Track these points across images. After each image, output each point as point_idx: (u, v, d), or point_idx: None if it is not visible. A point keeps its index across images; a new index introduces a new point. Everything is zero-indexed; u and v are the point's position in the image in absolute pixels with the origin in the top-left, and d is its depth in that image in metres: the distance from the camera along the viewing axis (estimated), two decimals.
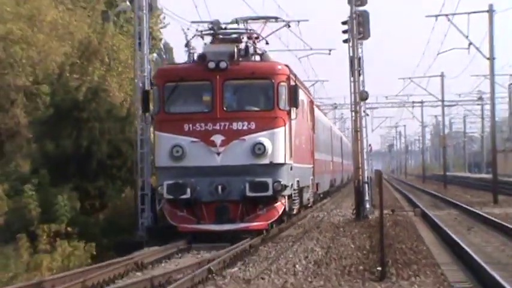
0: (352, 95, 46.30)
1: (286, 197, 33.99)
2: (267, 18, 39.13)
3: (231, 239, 31.99)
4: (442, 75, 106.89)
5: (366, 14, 44.14)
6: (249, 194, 31.99)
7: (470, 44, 63.79)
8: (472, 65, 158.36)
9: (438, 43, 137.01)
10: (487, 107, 80.00)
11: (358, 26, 43.73)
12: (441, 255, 26.85)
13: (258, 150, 32.38)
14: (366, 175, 45.25)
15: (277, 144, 33.25)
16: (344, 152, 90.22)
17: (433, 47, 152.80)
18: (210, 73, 33.17)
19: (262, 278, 21.82)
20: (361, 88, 45.55)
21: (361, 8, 43.75)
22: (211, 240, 32.54)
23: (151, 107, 36.25)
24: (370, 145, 67.83)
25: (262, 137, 32.83)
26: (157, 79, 35.01)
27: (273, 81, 33.51)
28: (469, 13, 63.67)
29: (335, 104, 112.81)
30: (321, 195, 61.62)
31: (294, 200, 36.85)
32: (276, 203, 32.89)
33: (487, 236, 33.41)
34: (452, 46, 79.61)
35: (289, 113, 34.31)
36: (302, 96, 40.44)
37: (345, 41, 44.79)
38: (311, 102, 49.08)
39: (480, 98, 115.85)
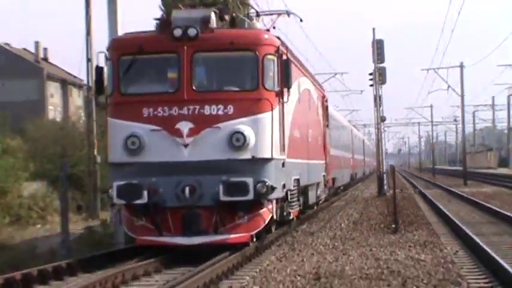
0: (375, 118, 46.29)
1: (275, 201, 17.91)
2: (279, 13, 24.89)
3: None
4: (431, 106, 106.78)
5: (384, 68, 43.97)
6: (223, 198, 16.54)
7: (449, 87, 64.65)
8: (450, 99, 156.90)
9: (429, 86, 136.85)
10: (460, 125, 79.69)
11: (379, 76, 43.56)
12: (431, 217, 26.68)
13: (237, 141, 16.90)
14: (384, 168, 45.07)
15: (262, 133, 17.27)
16: (366, 152, 75.60)
17: (425, 88, 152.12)
18: (176, 43, 17.41)
19: (321, 232, 21.77)
20: (381, 114, 45.44)
21: (381, 65, 43.61)
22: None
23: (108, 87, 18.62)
24: (386, 149, 67.27)
25: (242, 125, 17.03)
26: (111, 51, 18.13)
27: (257, 53, 17.44)
28: (448, 67, 64.82)
29: (364, 124, 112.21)
30: (341, 188, 44.48)
31: (290, 202, 20.21)
32: (261, 208, 17.02)
33: (460, 206, 33.12)
34: (438, 88, 79.94)
35: (279, 94, 17.91)
36: (308, 85, 24.48)
37: (371, 85, 44.66)
38: (323, 97, 30.46)
39: (455, 120, 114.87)
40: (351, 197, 42.50)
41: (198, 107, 16.64)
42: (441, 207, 29.58)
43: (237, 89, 17.25)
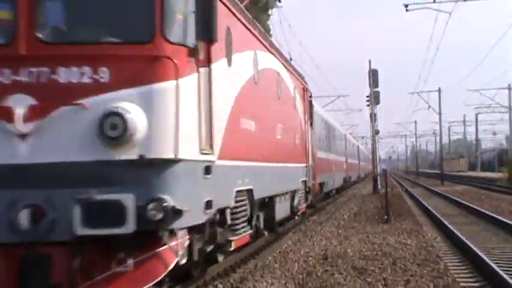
0: (371, 131, 46.17)
1: (187, 231, 7.74)
2: None
3: None
4: (415, 122, 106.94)
5: (378, 92, 43.64)
6: (81, 230, 6.49)
7: (429, 106, 64.86)
8: (430, 116, 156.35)
9: (413, 105, 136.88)
10: (438, 137, 79.40)
11: (374, 98, 43.44)
12: (416, 211, 26.55)
13: (112, 129, 6.53)
14: (378, 171, 44.90)
15: (160, 116, 6.93)
16: (361, 157, 68.22)
17: (411, 107, 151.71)
18: None
19: (328, 221, 21.62)
20: (375, 128, 45.31)
21: (375, 89, 43.46)
22: None
23: None
24: (380, 156, 67.20)
25: (124, 101, 6.70)
26: None
27: None
28: (429, 91, 65.40)
29: (362, 136, 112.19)
30: (333, 191, 35.62)
31: (233, 226, 10.18)
32: (160, 245, 6.98)
33: (438, 201, 32.93)
34: (421, 107, 79.99)
35: (197, 53, 7.53)
36: (275, 65, 14.27)
37: (368, 105, 44.52)
38: (304, 90, 20.04)
39: (434, 133, 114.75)
40: (352, 195, 42.36)
41: (46, 69, 7.25)
42: (423, 202, 29.50)
43: (116, 40, 7.48)
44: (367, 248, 14.50)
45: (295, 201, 17.60)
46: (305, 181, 19.10)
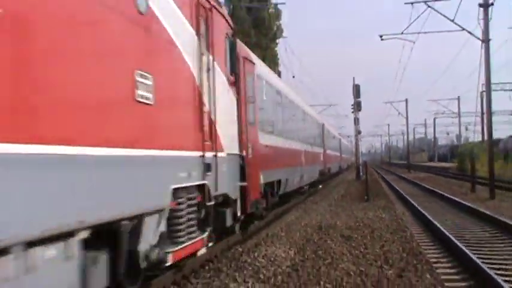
0: (355, 132, 46.02)
1: None
2: None
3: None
4: (388, 125, 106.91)
5: (360, 101, 43.42)
6: None
7: (399, 113, 64.15)
8: (399, 120, 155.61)
9: (387, 111, 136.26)
10: (405, 136, 79.27)
11: (357, 106, 43.25)
12: (389, 192, 26.43)
13: None
14: (360, 162, 44.73)
15: None
16: (343, 149, 55.64)
17: (385, 113, 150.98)
18: None
19: (322, 201, 21.58)
20: (358, 129, 45.15)
21: (358, 99, 43.26)
22: None
23: None
24: (361, 151, 66.99)
25: None
26: None
27: None
28: (398, 101, 65.06)
29: (348, 135, 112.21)
30: (306, 187, 23.05)
31: None
32: None
33: (406, 184, 32.77)
34: (392, 113, 79.72)
35: None
36: None
37: (352, 112, 44.34)
38: (211, 14, 6.69)
39: (402, 133, 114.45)
40: (340, 180, 42.24)
41: None
42: (394, 185, 29.40)
43: None
44: (351, 221, 14.48)
45: (143, 245, 5.35)
46: (204, 186, 7.08)
